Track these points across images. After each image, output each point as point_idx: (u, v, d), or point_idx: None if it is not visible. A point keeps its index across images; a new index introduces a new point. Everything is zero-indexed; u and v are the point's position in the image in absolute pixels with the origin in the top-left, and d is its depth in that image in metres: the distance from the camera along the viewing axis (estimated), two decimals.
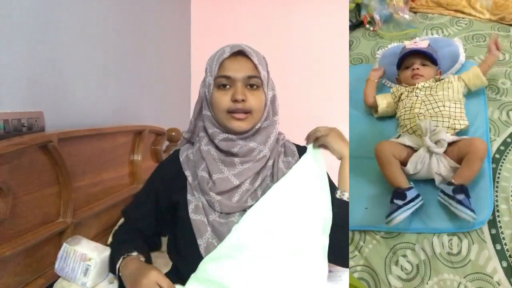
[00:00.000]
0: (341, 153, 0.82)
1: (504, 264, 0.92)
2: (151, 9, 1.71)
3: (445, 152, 1.03)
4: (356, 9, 1.74)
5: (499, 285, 0.91)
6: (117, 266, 0.81)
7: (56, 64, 1.07)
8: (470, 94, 1.22)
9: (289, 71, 2.06)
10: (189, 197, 0.84)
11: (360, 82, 1.38)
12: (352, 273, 1.00)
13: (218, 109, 0.81)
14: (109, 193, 1.17)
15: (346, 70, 1.51)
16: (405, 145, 1.08)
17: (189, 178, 0.86)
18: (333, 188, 0.84)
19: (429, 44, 1.31)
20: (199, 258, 0.79)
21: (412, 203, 0.98)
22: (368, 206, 1.07)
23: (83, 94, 1.21)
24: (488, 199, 0.99)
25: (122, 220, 1.03)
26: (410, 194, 0.99)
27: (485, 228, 0.97)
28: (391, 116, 1.28)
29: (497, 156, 1.06)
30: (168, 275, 0.86)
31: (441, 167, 1.03)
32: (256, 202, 0.80)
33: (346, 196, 0.81)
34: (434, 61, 1.29)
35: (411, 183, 1.03)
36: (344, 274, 0.91)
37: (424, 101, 1.17)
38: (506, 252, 0.93)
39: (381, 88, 1.40)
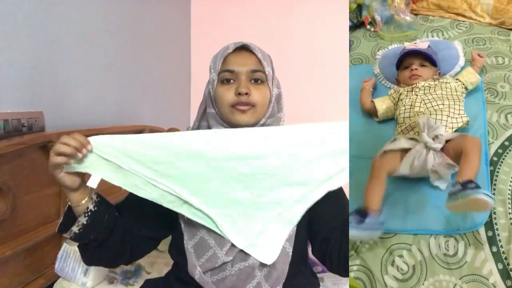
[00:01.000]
0: None
1: (500, 266, 0.93)
2: (151, 9, 1.72)
3: (441, 149, 1.04)
4: (358, 10, 1.74)
5: (494, 287, 0.91)
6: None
7: (56, 64, 1.08)
8: (468, 96, 1.23)
9: (289, 70, 2.06)
10: None
11: (360, 82, 1.38)
12: (349, 272, 1.01)
13: (222, 104, 0.79)
14: (109, 193, 1.17)
15: (346, 70, 1.51)
16: (401, 150, 1.06)
17: None
18: (345, 200, 0.84)
19: (429, 46, 1.31)
20: None
21: (369, 230, 0.92)
22: None
23: (83, 94, 1.21)
24: None
25: None
26: (371, 221, 0.93)
27: (482, 230, 0.97)
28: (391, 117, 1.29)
29: (495, 158, 1.07)
30: (168, 275, 0.87)
31: (437, 163, 1.03)
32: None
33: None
34: (433, 63, 1.29)
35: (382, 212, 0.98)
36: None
37: (423, 100, 1.18)
38: (502, 254, 0.94)
39: (380, 89, 1.40)
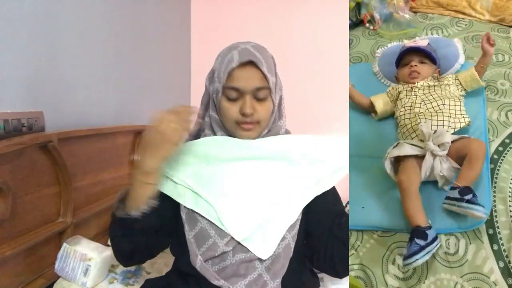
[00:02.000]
0: None
1: (501, 264, 0.93)
2: (151, 9, 1.72)
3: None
4: (356, 8, 1.74)
5: (495, 285, 0.91)
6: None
7: (56, 64, 1.08)
8: (469, 94, 1.22)
9: (289, 69, 2.06)
10: None
11: (359, 81, 1.38)
12: (349, 271, 1.01)
13: (226, 118, 0.81)
14: (109, 193, 1.18)
15: (346, 69, 1.51)
16: (414, 158, 1.04)
17: None
18: (339, 201, 0.86)
19: (428, 43, 1.31)
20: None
21: (433, 245, 0.93)
22: (365, 206, 1.07)
23: (83, 94, 1.21)
24: (486, 200, 0.99)
25: None
26: (431, 234, 0.93)
27: (483, 228, 0.97)
28: (390, 115, 1.29)
29: (495, 156, 1.07)
30: (168, 275, 0.87)
31: (443, 168, 1.03)
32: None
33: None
34: (432, 60, 1.29)
35: (429, 221, 0.98)
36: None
37: (423, 100, 1.17)
38: (503, 253, 0.94)
39: (379, 87, 1.40)
